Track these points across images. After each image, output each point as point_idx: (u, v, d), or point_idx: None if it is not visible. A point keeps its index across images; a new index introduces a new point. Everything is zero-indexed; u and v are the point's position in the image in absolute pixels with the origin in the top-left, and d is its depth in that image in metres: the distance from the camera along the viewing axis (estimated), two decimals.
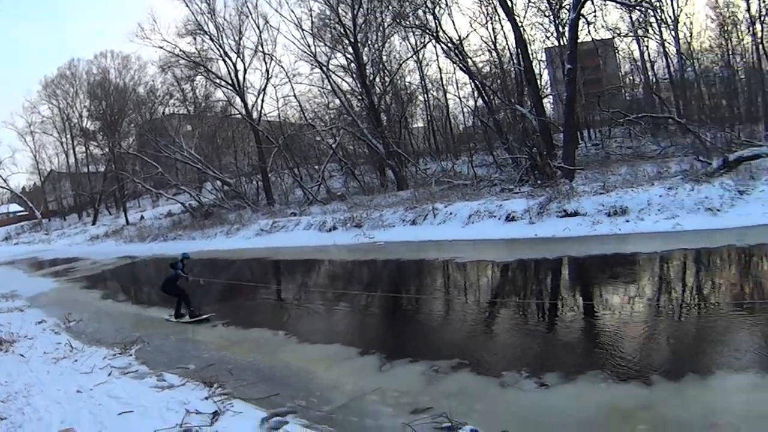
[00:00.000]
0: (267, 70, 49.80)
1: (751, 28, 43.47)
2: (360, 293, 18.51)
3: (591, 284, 16.99)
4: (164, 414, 8.97)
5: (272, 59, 50.26)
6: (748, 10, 43.18)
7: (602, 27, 44.55)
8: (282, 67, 60.66)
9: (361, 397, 9.48)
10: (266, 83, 49.54)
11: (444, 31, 40.78)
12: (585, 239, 22.38)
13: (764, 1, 42.32)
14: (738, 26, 45.39)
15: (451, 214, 28.66)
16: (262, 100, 50.24)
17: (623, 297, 14.71)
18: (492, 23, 43.30)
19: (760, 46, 42.91)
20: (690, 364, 9.48)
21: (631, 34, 45.62)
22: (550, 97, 47.70)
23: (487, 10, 42.67)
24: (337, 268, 25.19)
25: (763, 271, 16.35)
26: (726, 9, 45.27)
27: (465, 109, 52.95)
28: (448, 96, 53.44)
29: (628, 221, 23.29)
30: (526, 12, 43.19)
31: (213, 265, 29.49)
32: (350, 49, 44.42)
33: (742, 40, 45.63)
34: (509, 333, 12.56)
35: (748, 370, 9.07)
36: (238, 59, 49.19)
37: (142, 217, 59.74)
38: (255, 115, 49.49)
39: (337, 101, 47.19)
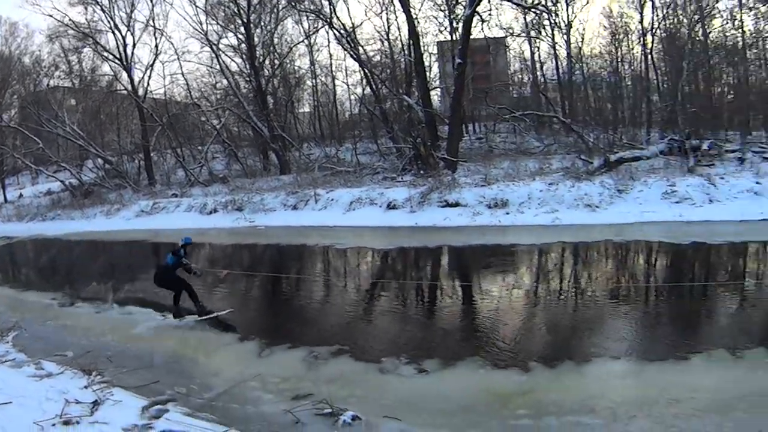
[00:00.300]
0: (156, 46, 47.99)
1: (641, 39, 45.11)
2: (240, 278, 18.22)
3: (470, 273, 17.49)
4: (44, 404, 8.54)
5: (163, 35, 48.83)
6: (641, 22, 44.84)
7: (496, 25, 45.48)
8: (172, 43, 59.23)
9: (242, 384, 9.41)
10: (154, 59, 48.00)
11: (338, 18, 40.60)
12: (465, 229, 23.08)
13: (657, 15, 44.21)
14: (629, 36, 47.06)
15: (332, 200, 28.98)
16: (149, 77, 48.80)
17: (502, 286, 15.23)
18: (387, 13, 43.68)
19: (649, 57, 44.79)
20: (566, 351, 10.02)
21: (523, 34, 46.88)
22: (438, 89, 48.23)
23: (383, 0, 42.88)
24: (217, 252, 24.86)
25: (637, 265, 17.45)
26: (619, 19, 46.92)
27: (352, 97, 52.89)
28: (337, 82, 53.29)
29: (508, 213, 24.26)
30: (422, 5, 43.83)
31: (93, 247, 28.75)
32: (242, 29, 43.67)
33: (632, 49, 47.34)
34: (389, 320, 12.73)
35: (622, 357, 9.71)
36: (128, 33, 47.21)
37: (20, 195, 56.64)
38: (141, 91, 47.80)
39: (225, 82, 46.16)
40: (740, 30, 42.56)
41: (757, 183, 23.97)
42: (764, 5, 40.28)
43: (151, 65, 48.10)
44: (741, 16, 42.13)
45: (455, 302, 14.01)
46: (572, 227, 21.93)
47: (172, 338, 12.37)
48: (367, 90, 43.43)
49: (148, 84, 48.46)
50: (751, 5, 41.43)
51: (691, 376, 8.89)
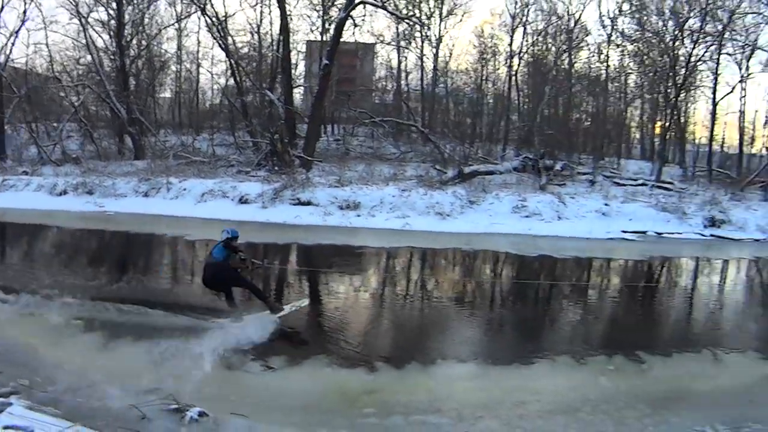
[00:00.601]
0: (24, 12, 44.73)
1: (508, 61, 47.43)
2: (86, 266, 17.58)
3: (319, 272, 17.41)
4: None
5: (33, 1, 46.72)
6: (510, 44, 47.15)
7: (367, 31, 46.00)
8: (41, 11, 56.95)
9: (87, 377, 8.78)
10: (21, 26, 44.99)
11: (212, 5, 40.42)
12: (316, 228, 23.50)
13: (527, 40, 46.77)
14: (497, 57, 49.25)
15: (185, 190, 28.66)
16: (13, 44, 45.95)
17: (350, 286, 15.80)
18: (261, 6, 43.37)
19: (513, 78, 47.11)
20: (413, 352, 10.33)
21: (393, 43, 48.25)
22: (302, 88, 48.26)
23: None
24: (65, 236, 23.66)
25: (484, 273, 18.42)
26: (489, 39, 48.94)
27: (215, 86, 51.86)
28: (201, 70, 52.19)
29: (359, 216, 25.05)
30: (297, 2, 43.90)
31: None
32: (114, 4, 42.19)
33: (498, 69, 49.60)
34: (231, 315, 11.74)
35: (468, 360, 10.22)
36: None
37: None
38: (2, 58, 44.71)
39: (89, 57, 44.14)
40: (605, 64, 46.10)
41: (606, 205, 26.08)
42: (631, 44, 43.44)
43: (17, 32, 45.79)
44: (608, 52, 45.60)
45: (302, 300, 13.47)
46: (422, 233, 22.91)
47: (14, 327, 11.27)
48: (231, 81, 42.98)
49: (11, 51, 46.01)
50: (619, 42, 44.73)
51: (536, 380, 9.46)
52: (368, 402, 8.47)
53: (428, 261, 20.10)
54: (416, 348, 10.67)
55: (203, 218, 25.02)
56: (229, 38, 40.42)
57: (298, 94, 46.55)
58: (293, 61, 41.85)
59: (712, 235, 25.68)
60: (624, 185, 34.02)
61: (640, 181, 35.53)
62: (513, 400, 8.69)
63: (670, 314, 15.03)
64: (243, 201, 27.05)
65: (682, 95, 42.49)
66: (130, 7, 44.38)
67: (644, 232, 25.02)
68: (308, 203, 26.47)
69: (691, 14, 39.80)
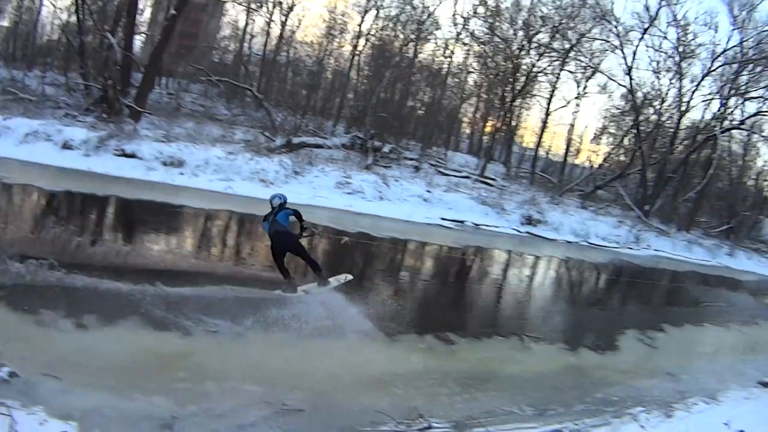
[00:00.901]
0: None
1: (354, 41, 48.70)
2: None
3: (137, 227, 17.70)
4: None
5: None
6: (360, 25, 48.39)
7: None
8: None
9: None
10: None
11: None
12: (137, 183, 23.12)
13: (377, 24, 48.27)
14: (343, 34, 50.40)
15: (8, 128, 26.38)
16: None
17: (164, 246, 15.79)
18: None
19: (356, 58, 48.48)
20: (229, 318, 10.33)
21: (244, 4, 48.29)
22: (143, 36, 47.15)
23: None
24: None
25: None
26: (341, 17, 49.98)
27: (56, 22, 49.60)
28: (45, 2, 50.12)
29: (182, 174, 25.14)
30: None
31: None
32: None
33: (342, 47, 50.89)
34: (43, 269, 10.94)
35: (280, 329, 10.49)
36: None
37: None
38: None
39: None
40: (449, 59, 48.78)
41: (428, 191, 27.99)
42: (478, 45, 46.26)
43: None
44: (454, 48, 48.20)
45: (120, 256, 13.59)
46: (244, 198, 23.01)
47: None
48: (73, 18, 41.83)
49: None
50: (466, 42, 47.50)
51: (330, 353, 10.00)
52: (182, 366, 8.65)
53: (246, 227, 20.56)
54: (232, 314, 10.49)
55: (23, 161, 23.45)
56: None
57: (138, 41, 45.51)
58: (140, 6, 41.19)
59: (527, 233, 28.23)
60: (448, 175, 36.16)
61: (464, 174, 37.88)
62: (326, 372, 9.24)
63: (480, 301, 16.64)
64: (67, 146, 25.77)
65: (518, 101, 45.96)
66: None
67: (462, 222, 27.04)
68: (132, 156, 25.96)
69: (542, 29, 43.32)
